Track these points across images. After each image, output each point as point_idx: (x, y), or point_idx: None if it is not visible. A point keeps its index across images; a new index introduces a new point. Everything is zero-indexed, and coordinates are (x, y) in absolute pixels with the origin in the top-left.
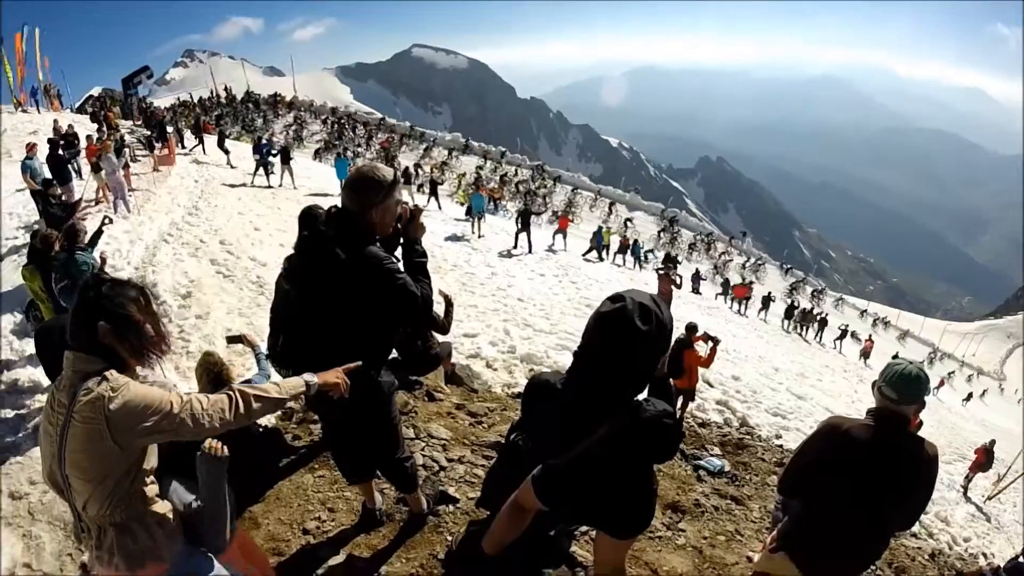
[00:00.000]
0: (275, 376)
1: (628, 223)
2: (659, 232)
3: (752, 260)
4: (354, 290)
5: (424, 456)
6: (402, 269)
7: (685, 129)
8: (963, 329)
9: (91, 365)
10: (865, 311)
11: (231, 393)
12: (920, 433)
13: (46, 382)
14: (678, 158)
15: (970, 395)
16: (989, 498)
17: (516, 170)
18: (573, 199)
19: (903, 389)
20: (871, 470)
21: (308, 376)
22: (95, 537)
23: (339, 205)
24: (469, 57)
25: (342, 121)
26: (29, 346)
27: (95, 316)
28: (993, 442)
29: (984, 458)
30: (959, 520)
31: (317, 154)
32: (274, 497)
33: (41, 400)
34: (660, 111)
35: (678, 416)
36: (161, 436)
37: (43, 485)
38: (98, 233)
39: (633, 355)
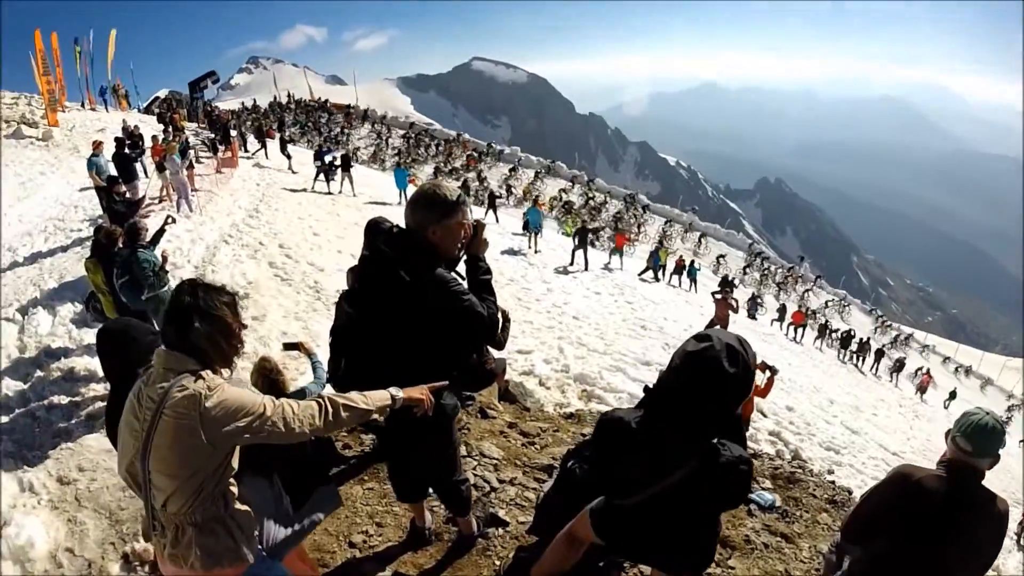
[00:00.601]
0: (329, 388)
1: (720, 259)
2: (744, 268)
3: (837, 300)
4: (419, 313)
5: (475, 475)
6: (467, 290)
7: (742, 148)
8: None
9: (183, 364)
10: (948, 358)
11: (321, 400)
12: None
13: (101, 373)
14: (736, 178)
15: None
16: None
17: (607, 197)
18: (667, 231)
19: (978, 441)
20: (941, 523)
21: (394, 390)
22: (171, 535)
23: (401, 225)
24: (529, 72)
25: (420, 136)
26: (88, 335)
27: (191, 318)
28: None
29: None
30: (1011, 569)
31: None
32: None
33: (96, 389)
34: (718, 129)
35: None
36: (253, 437)
37: (91, 472)
38: (160, 232)
39: (717, 397)
